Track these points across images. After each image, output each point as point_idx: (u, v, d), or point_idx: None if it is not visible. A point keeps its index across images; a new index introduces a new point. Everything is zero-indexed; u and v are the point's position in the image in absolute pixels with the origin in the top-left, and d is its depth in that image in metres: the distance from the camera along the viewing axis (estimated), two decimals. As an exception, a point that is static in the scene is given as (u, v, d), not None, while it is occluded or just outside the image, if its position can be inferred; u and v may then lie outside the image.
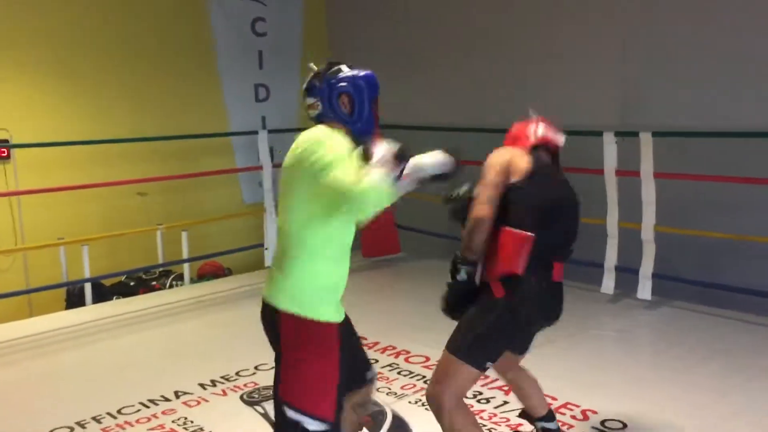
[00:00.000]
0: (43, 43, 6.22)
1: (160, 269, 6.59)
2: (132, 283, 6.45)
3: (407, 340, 4.71)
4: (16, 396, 4.23)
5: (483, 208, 2.67)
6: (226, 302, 5.97)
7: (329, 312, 2.37)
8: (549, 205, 2.77)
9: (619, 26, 5.95)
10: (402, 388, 4.02)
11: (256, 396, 3.97)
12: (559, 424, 3.23)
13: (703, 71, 5.48)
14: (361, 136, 2.45)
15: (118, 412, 3.82)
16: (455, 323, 2.86)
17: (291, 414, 2.32)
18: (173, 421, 3.71)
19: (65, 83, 6.39)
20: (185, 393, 4.05)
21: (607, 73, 6.04)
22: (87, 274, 5.88)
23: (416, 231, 6.98)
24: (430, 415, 3.66)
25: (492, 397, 3.81)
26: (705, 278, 5.28)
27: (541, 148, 2.95)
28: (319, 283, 2.36)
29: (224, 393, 4.04)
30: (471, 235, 2.69)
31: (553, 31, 6.35)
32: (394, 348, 4.63)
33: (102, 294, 6.17)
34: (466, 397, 3.81)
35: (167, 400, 3.97)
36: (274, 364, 2.44)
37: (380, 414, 3.66)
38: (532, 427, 3.44)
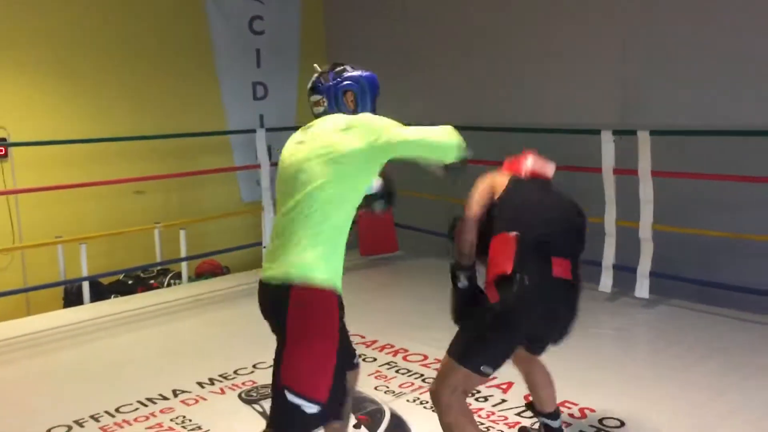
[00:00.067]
0: (41, 42, 6.21)
1: (158, 268, 6.59)
2: (130, 282, 6.45)
3: (405, 339, 4.71)
4: (14, 395, 4.23)
5: (468, 209, 2.81)
6: (224, 301, 5.97)
7: (338, 285, 2.44)
8: (527, 204, 2.87)
9: (618, 25, 5.95)
10: (400, 386, 4.03)
11: (255, 394, 3.97)
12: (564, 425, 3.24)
13: (702, 70, 5.49)
14: None
15: (116, 410, 3.82)
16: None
17: (291, 398, 2.37)
18: (171, 420, 3.71)
19: (64, 82, 6.38)
20: (183, 391, 4.05)
21: (605, 72, 6.05)
22: (85, 273, 5.88)
23: (414, 229, 6.98)
24: (429, 413, 3.68)
25: (490, 396, 3.81)
26: (703, 276, 5.29)
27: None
28: (337, 255, 2.45)
29: (222, 391, 4.04)
30: (459, 237, 2.80)
31: (552, 30, 6.35)
32: (392, 346, 4.63)
33: (100, 292, 6.16)
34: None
35: (165, 398, 3.97)
36: (273, 358, 2.48)
37: (378, 412, 3.66)
38: (530, 424, 3.46)
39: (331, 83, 2.67)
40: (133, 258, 6.47)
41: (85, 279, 5.91)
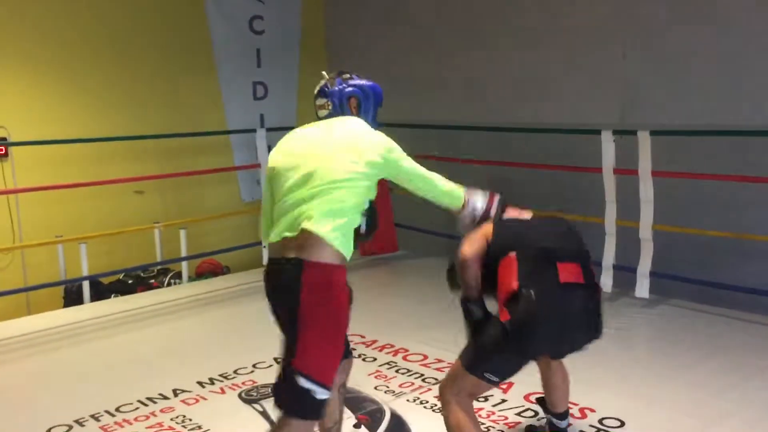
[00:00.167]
0: (41, 42, 6.21)
1: (159, 267, 6.59)
2: (130, 282, 6.44)
3: (405, 339, 4.71)
4: (15, 394, 4.23)
5: (466, 249, 2.83)
6: (225, 300, 5.97)
7: (346, 258, 2.54)
8: (520, 228, 2.92)
9: (619, 25, 5.95)
10: (400, 386, 4.03)
11: (255, 394, 3.98)
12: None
13: (702, 70, 5.49)
14: None
15: (117, 410, 3.82)
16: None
17: (303, 383, 2.42)
18: (172, 419, 3.71)
19: (64, 82, 6.38)
20: (184, 391, 4.05)
21: (606, 72, 6.05)
22: (85, 272, 5.88)
23: (414, 229, 6.98)
24: (429, 413, 3.68)
25: (490, 395, 3.81)
26: (703, 276, 5.29)
27: None
28: (351, 235, 2.56)
29: (222, 391, 4.04)
30: (462, 275, 2.85)
31: (553, 30, 6.35)
32: (392, 346, 4.63)
33: (100, 292, 6.16)
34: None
35: (166, 398, 3.97)
36: (283, 340, 2.54)
37: (378, 412, 3.66)
38: (532, 422, 3.46)
39: (337, 88, 2.82)
40: (133, 258, 6.47)
41: (85, 278, 5.91)
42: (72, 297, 6.07)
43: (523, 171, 6.32)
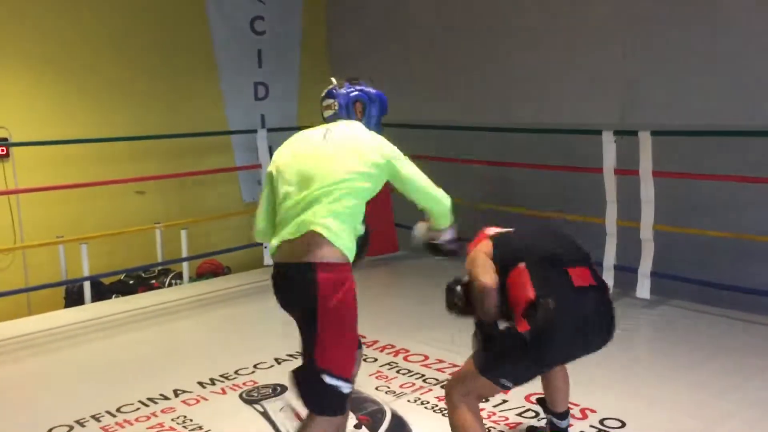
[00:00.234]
0: (42, 42, 6.21)
1: (159, 268, 6.59)
2: (131, 282, 6.45)
3: (406, 339, 4.71)
4: (16, 394, 4.23)
5: (487, 277, 2.76)
6: (225, 301, 5.97)
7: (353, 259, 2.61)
8: (520, 240, 2.92)
9: (620, 26, 5.95)
10: (401, 386, 4.03)
11: (255, 395, 3.98)
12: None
13: (703, 71, 5.49)
14: None
15: (118, 410, 3.82)
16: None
17: (330, 380, 2.50)
18: (172, 420, 3.71)
19: (64, 82, 6.38)
20: (184, 391, 4.05)
21: (607, 73, 6.05)
22: (86, 273, 5.88)
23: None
24: (430, 414, 3.68)
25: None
26: (704, 277, 5.28)
27: None
28: (354, 236, 2.63)
29: (223, 392, 4.04)
30: (482, 304, 2.77)
31: (553, 30, 6.35)
32: (393, 347, 4.63)
33: (101, 292, 6.16)
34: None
35: (166, 398, 3.97)
36: (301, 341, 2.58)
37: (379, 412, 3.66)
38: (533, 423, 3.46)
39: (344, 91, 2.91)
40: (134, 258, 6.47)
41: (86, 279, 5.91)
42: (73, 297, 6.07)
43: (524, 171, 6.33)
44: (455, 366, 4.24)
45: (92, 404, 3.88)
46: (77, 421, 3.71)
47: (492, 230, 3.05)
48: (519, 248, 2.84)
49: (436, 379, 4.09)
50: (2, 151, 6.00)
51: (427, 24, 7.28)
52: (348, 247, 2.57)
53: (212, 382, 4.17)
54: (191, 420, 3.70)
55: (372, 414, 3.62)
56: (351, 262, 2.59)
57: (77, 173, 6.16)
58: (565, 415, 3.17)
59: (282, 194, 2.68)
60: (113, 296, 6.21)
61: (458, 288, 2.99)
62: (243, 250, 6.97)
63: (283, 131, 6.98)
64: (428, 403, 3.80)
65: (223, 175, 7.24)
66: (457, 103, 7.04)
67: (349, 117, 2.88)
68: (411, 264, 6.82)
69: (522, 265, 2.74)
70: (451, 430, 2.79)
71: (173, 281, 6.51)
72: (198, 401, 3.93)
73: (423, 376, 4.16)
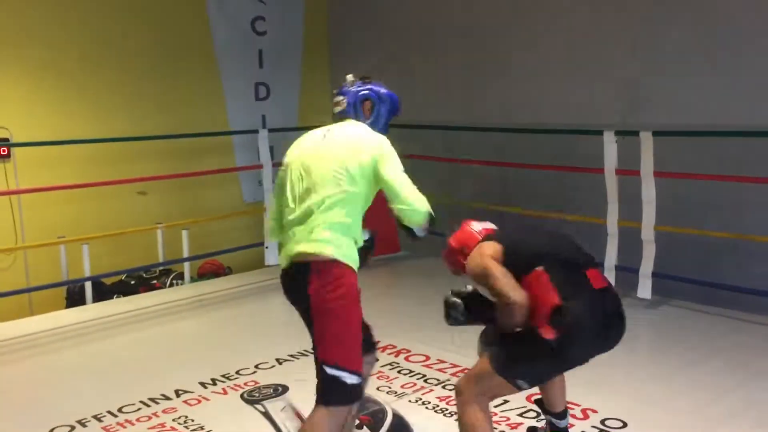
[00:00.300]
0: (44, 43, 6.22)
1: (161, 268, 6.59)
2: (132, 282, 6.45)
3: (407, 339, 4.71)
4: (17, 394, 4.23)
5: (518, 294, 2.67)
6: (227, 301, 5.97)
7: (355, 263, 2.67)
8: (527, 242, 2.88)
9: (622, 26, 5.95)
10: (402, 386, 4.03)
11: (257, 395, 3.98)
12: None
13: (705, 71, 5.49)
14: None
15: (119, 410, 3.83)
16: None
17: (330, 371, 2.59)
18: (174, 420, 3.71)
19: (66, 83, 6.39)
20: (186, 392, 4.05)
21: (608, 73, 6.05)
22: (87, 273, 5.88)
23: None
24: (431, 414, 3.68)
25: (492, 396, 3.81)
26: (705, 277, 5.29)
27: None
28: (352, 246, 2.67)
29: (225, 392, 4.05)
30: (512, 319, 2.70)
31: (556, 30, 6.35)
32: (394, 347, 4.63)
33: (102, 293, 6.17)
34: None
35: (168, 398, 3.97)
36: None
37: (380, 412, 3.66)
38: (536, 421, 3.46)
39: (354, 89, 2.90)
40: (135, 258, 6.48)
41: (87, 279, 5.92)
42: (74, 298, 6.08)
43: (525, 172, 6.33)
44: (456, 366, 4.25)
45: (94, 404, 3.89)
46: (79, 421, 3.71)
47: (476, 225, 3.01)
48: (533, 252, 2.79)
49: (437, 380, 4.10)
50: (4, 151, 6.00)
51: (428, 24, 7.28)
52: (343, 253, 2.62)
53: (213, 382, 4.17)
54: (192, 420, 3.70)
55: (373, 414, 3.62)
56: (349, 264, 2.63)
57: (78, 174, 6.16)
58: (563, 414, 3.17)
59: (286, 198, 2.79)
60: (114, 296, 6.21)
61: (459, 303, 2.96)
62: (244, 251, 6.98)
63: (284, 131, 7.01)
64: (429, 403, 3.81)
65: (224, 176, 7.24)
66: (460, 102, 7.04)
67: (356, 115, 2.87)
68: (412, 264, 6.82)
69: (540, 269, 2.70)
70: (461, 428, 2.77)
71: (174, 281, 6.51)
72: (199, 401, 3.94)
73: (424, 376, 4.16)
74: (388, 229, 7.02)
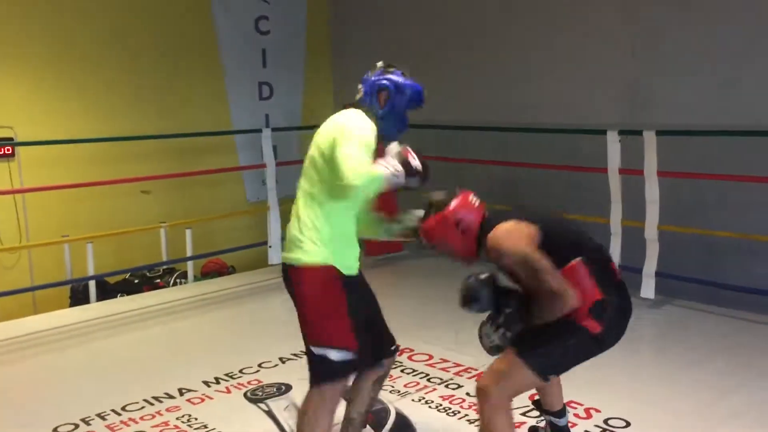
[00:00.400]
0: (47, 42, 6.23)
1: (164, 267, 6.60)
2: (136, 281, 6.46)
3: (410, 338, 4.70)
4: (21, 393, 4.24)
5: (572, 290, 2.56)
6: (230, 300, 5.98)
7: (333, 261, 2.71)
8: (553, 226, 2.77)
9: (625, 26, 5.94)
10: (405, 386, 4.03)
11: (260, 393, 3.98)
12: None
13: (708, 70, 5.48)
14: (386, 132, 2.78)
15: (123, 409, 3.84)
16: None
17: (316, 351, 2.69)
18: (177, 419, 3.72)
19: (70, 82, 6.40)
20: (189, 390, 4.06)
21: (612, 72, 6.04)
22: (91, 272, 5.90)
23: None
24: (434, 413, 3.68)
25: (495, 395, 3.81)
26: (708, 277, 5.28)
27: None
28: (333, 239, 2.71)
29: (228, 390, 4.05)
30: (553, 314, 2.59)
31: (559, 29, 6.35)
32: (396, 346, 4.62)
33: (106, 291, 6.18)
34: (469, 395, 3.83)
35: (171, 397, 3.98)
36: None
37: (383, 412, 3.67)
38: (536, 421, 3.46)
39: (373, 78, 2.83)
40: (139, 257, 6.49)
41: (91, 278, 5.93)
42: (78, 296, 6.10)
43: (528, 171, 6.32)
44: (459, 365, 4.25)
45: (97, 403, 3.90)
46: (83, 420, 3.72)
47: (474, 198, 2.84)
48: (571, 242, 2.72)
49: (440, 379, 4.10)
50: (8, 150, 6.02)
51: (434, 24, 7.28)
52: (318, 254, 2.69)
53: (217, 381, 4.18)
54: (196, 419, 3.71)
55: (376, 413, 3.62)
56: (314, 262, 2.69)
57: (82, 173, 6.17)
58: (563, 412, 3.16)
59: None
60: (118, 295, 6.22)
61: (483, 285, 2.78)
62: (247, 250, 6.99)
63: (287, 131, 7.02)
64: (432, 402, 3.81)
65: (227, 175, 7.25)
66: (462, 102, 7.03)
67: (371, 104, 2.80)
68: (414, 264, 6.82)
69: (578, 261, 2.63)
70: (486, 428, 2.68)
71: (178, 280, 6.52)
72: (203, 400, 3.94)
73: (427, 375, 4.16)
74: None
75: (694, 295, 5.36)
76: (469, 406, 3.73)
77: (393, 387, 4.00)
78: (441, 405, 3.77)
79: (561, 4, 6.36)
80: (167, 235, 6.44)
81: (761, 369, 4.15)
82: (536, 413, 3.54)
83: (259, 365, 4.37)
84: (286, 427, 3.55)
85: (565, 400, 3.28)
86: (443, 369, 4.23)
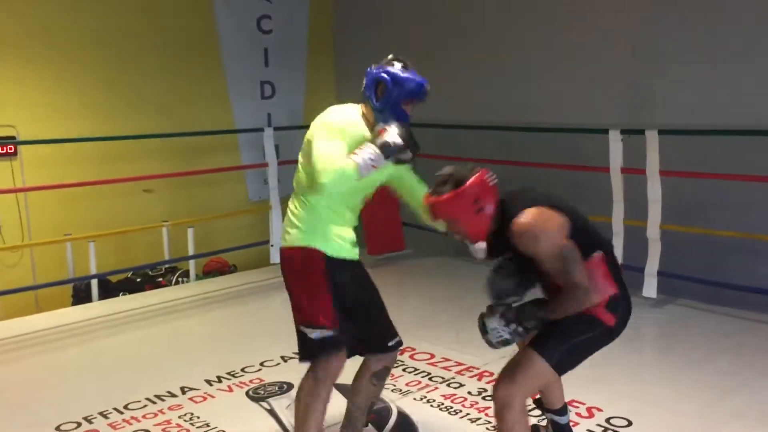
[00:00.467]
0: (49, 41, 6.24)
1: (166, 266, 6.61)
2: (138, 280, 6.47)
3: (412, 338, 4.69)
4: (23, 391, 4.25)
5: (598, 288, 2.57)
6: (232, 299, 5.99)
7: (311, 241, 2.81)
8: (572, 214, 2.74)
9: (627, 25, 5.93)
10: (407, 384, 4.03)
11: (262, 392, 3.99)
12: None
13: (711, 70, 5.47)
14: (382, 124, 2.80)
15: (125, 407, 3.84)
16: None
17: (301, 328, 2.83)
18: (179, 417, 3.72)
19: (72, 81, 6.41)
20: (191, 389, 4.06)
21: (614, 72, 6.03)
22: (93, 271, 5.90)
23: (422, 228, 6.96)
24: (435, 412, 3.69)
25: (497, 394, 3.81)
26: (711, 276, 5.28)
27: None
28: (321, 227, 2.82)
29: (230, 389, 4.06)
30: (576, 309, 2.58)
31: (561, 29, 6.34)
32: (399, 345, 4.63)
33: (108, 290, 6.19)
34: (471, 394, 3.84)
35: (173, 395, 3.98)
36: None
37: (385, 410, 3.67)
38: (537, 421, 3.46)
39: (375, 70, 2.85)
40: (141, 256, 6.50)
41: (93, 277, 5.94)
42: (80, 295, 6.10)
43: (530, 171, 6.31)
44: (461, 364, 4.25)
45: (100, 401, 3.90)
46: (85, 418, 3.73)
47: (491, 177, 2.69)
48: (595, 235, 2.73)
49: (442, 378, 4.10)
50: (10, 149, 6.03)
51: (435, 23, 7.27)
52: (299, 238, 2.82)
53: (219, 379, 4.19)
54: (198, 417, 3.71)
55: (378, 412, 3.62)
56: (298, 245, 2.81)
57: (85, 172, 6.18)
58: (563, 410, 3.15)
59: None
60: (120, 294, 6.23)
61: (507, 272, 2.73)
62: (249, 249, 6.99)
63: (289, 130, 7.02)
64: (434, 401, 3.81)
65: (229, 174, 7.25)
66: (464, 102, 7.03)
67: (370, 96, 2.82)
68: (417, 263, 6.82)
69: (599, 255, 2.65)
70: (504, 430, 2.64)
71: (180, 279, 6.53)
72: (205, 399, 3.95)
73: (429, 374, 4.16)
74: (394, 228, 7.06)
75: (696, 294, 5.35)
76: (471, 405, 3.73)
77: (395, 386, 4.00)
78: (443, 404, 3.77)
79: (561, 4, 6.35)
80: (169, 234, 6.45)
81: (764, 369, 4.15)
82: (537, 413, 3.55)
83: (261, 364, 4.37)
84: (287, 426, 3.55)
85: (566, 399, 3.29)
86: (445, 368, 4.23)
